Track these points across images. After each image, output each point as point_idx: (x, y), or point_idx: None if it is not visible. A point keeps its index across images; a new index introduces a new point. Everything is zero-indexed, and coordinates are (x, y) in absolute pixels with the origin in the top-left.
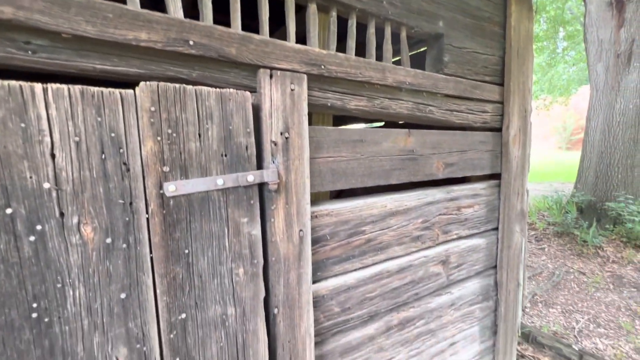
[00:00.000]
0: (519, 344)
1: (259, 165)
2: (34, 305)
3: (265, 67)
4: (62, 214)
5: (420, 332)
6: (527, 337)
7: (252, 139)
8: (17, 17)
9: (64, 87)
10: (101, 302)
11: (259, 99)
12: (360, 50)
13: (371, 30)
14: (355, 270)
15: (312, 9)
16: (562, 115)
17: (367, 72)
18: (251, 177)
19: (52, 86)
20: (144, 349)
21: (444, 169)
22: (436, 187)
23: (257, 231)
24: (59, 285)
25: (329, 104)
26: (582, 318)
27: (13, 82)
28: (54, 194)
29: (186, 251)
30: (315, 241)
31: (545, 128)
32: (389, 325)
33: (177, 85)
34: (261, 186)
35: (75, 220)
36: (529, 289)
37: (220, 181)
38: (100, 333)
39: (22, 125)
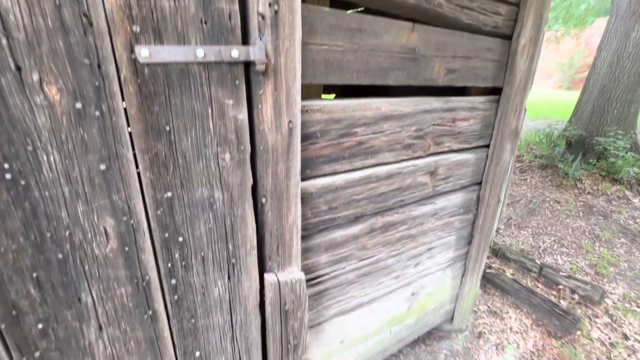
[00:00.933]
0: (488, 257)
1: (245, 41)
2: (6, 166)
3: None
4: (18, 68)
5: (401, 236)
6: (497, 252)
7: (237, 7)
8: None
9: None
10: (80, 171)
11: None
12: None
13: None
14: (344, 172)
15: None
16: (570, 51)
17: None
18: (235, 52)
19: None
20: (131, 221)
21: (445, 75)
22: (434, 95)
23: (243, 116)
24: (29, 148)
25: None
26: (549, 239)
27: None
28: (3, 41)
29: (167, 128)
30: (305, 137)
31: (549, 66)
32: (372, 228)
33: None
34: (247, 66)
35: (35, 77)
36: (506, 214)
37: (200, 52)
38: (83, 202)
39: None
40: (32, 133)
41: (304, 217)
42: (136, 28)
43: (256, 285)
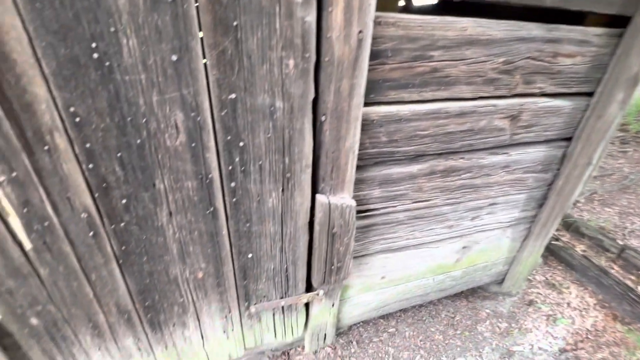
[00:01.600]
0: (557, 230)
1: None
2: (93, 45)
3: None
4: None
5: (463, 185)
6: (569, 226)
7: None
8: None
9: None
10: (154, 60)
11: None
12: None
13: None
14: (412, 102)
15: None
16: None
17: None
18: None
19: None
20: (198, 119)
21: None
22: (536, 22)
23: (311, 18)
24: (112, 30)
25: None
26: None
27: None
28: None
29: (235, 23)
30: (374, 55)
31: None
32: (433, 170)
33: None
34: None
35: None
36: (590, 187)
37: None
38: (157, 92)
39: None
40: (114, 14)
41: (361, 145)
42: None
43: (307, 203)
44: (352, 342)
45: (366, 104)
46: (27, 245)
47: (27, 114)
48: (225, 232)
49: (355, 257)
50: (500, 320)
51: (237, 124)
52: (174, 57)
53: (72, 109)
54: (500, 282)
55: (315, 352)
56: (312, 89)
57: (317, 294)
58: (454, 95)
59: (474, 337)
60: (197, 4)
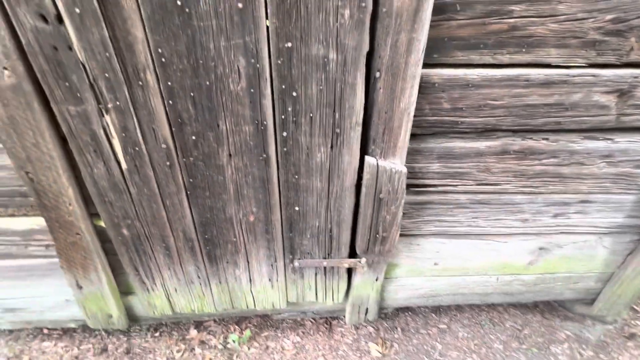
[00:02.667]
0: None
1: None
2: None
3: None
4: None
5: (543, 171)
6: None
7: None
8: None
9: None
10: (224, 7)
11: None
12: None
13: None
14: (483, 65)
15: None
16: None
17: None
18: None
19: None
20: (257, 65)
21: None
22: None
23: None
24: None
25: None
26: None
27: None
28: None
29: None
30: (439, 9)
31: None
32: (505, 149)
33: None
34: None
35: None
36: None
37: None
38: (224, 38)
39: None
40: None
41: (420, 111)
42: None
43: (356, 163)
44: (396, 328)
45: (428, 65)
46: (124, 165)
47: (129, 52)
48: (275, 180)
49: (405, 235)
50: (584, 347)
51: (291, 73)
52: (240, 5)
53: (159, 50)
54: (590, 302)
55: (357, 327)
56: (366, 41)
57: (360, 262)
58: (538, 60)
59: (544, 357)
60: None
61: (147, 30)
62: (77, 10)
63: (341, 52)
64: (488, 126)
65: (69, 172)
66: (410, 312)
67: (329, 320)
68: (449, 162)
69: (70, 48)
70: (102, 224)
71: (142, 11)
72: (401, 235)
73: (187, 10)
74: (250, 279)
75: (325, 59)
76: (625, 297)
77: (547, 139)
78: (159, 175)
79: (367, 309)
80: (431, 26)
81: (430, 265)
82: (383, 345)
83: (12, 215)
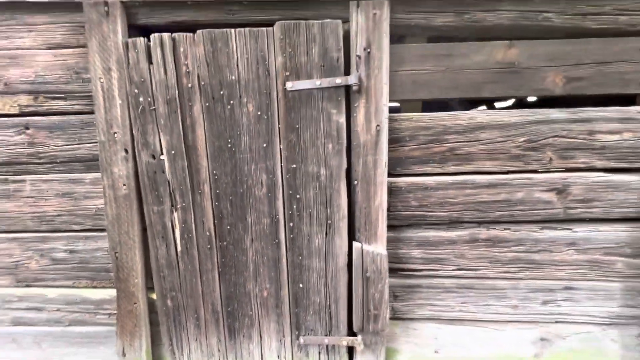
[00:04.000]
0: None
1: (346, 72)
2: (229, 140)
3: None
4: (240, 97)
5: (516, 257)
6: None
7: (342, 54)
8: None
9: (242, 29)
10: (257, 146)
11: (348, 24)
12: None
13: None
14: (435, 174)
15: None
16: None
17: None
18: (339, 80)
19: (236, 30)
20: (274, 179)
21: (566, 84)
22: (567, 105)
23: (342, 120)
24: (238, 132)
25: (412, 24)
26: None
27: (220, 30)
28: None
29: (297, 126)
30: (395, 140)
31: None
32: (474, 237)
33: (294, 22)
34: (347, 88)
35: (244, 99)
36: None
37: (318, 82)
38: (254, 163)
39: (226, 50)
40: (240, 126)
41: (394, 207)
42: (287, 73)
43: (345, 247)
44: None
45: (395, 175)
46: (179, 247)
47: (197, 173)
48: (284, 260)
49: (401, 319)
50: None
51: (296, 183)
52: (264, 145)
53: (215, 172)
54: None
55: None
56: (344, 162)
57: (357, 339)
58: (478, 169)
59: None
60: (279, 117)
61: (209, 161)
62: (172, 152)
63: (329, 169)
64: (452, 219)
65: (141, 252)
66: None
67: None
68: (428, 249)
69: (163, 172)
70: (154, 296)
71: (208, 151)
72: (397, 318)
73: (233, 149)
74: (261, 354)
75: (318, 173)
76: None
77: (508, 228)
78: (201, 255)
79: None
80: (390, 150)
81: (432, 354)
82: None
83: (94, 287)
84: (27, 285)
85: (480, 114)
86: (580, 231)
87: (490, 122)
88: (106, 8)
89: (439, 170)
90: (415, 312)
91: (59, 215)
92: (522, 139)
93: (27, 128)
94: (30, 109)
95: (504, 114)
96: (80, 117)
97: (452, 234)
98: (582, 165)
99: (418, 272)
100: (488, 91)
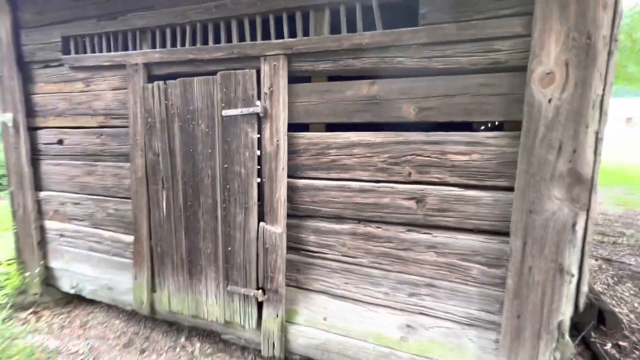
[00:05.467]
0: None
1: (257, 103)
2: (191, 147)
3: (263, 56)
4: (198, 120)
5: (386, 253)
6: None
7: (255, 91)
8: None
9: (200, 77)
10: (206, 152)
11: (259, 72)
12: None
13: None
14: (323, 179)
15: (284, 15)
16: None
17: (325, 44)
18: (252, 109)
19: (197, 78)
20: (215, 174)
21: (418, 113)
22: (423, 130)
23: (255, 136)
24: (196, 142)
25: (303, 69)
26: None
27: (189, 78)
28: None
29: (228, 139)
30: (293, 152)
31: None
32: (353, 231)
33: (228, 72)
34: (258, 114)
35: (200, 121)
36: None
37: (240, 111)
38: (204, 162)
39: (191, 90)
40: (197, 138)
41: (296, 202)
42: (223, 104)
43: (255, 225)
44: None
45: (295, 177)
46: (164, 213)
47: (174, 168)
48: (220, 229)
49: (302, 288)
50: None
51: (227, 177)
52: (210, 151)
53: (183, 167)
54: None
55: (270, 358)
56: (256, 165)
57: (259, 292)
58: (354, 177)
59: None
60: (218, 133)
61: (181, 160)
62: (163, 153)
63: (246, 169)
64: (337, 214)
65: (146, 214)
66: None
67: (256, 349)
68: (320, 236)
69: (159, 164)
70: (152, 243)
71: (180, 154)
72: (299, 287)
73: (194, 153)
74: (206, 294)
75: (240, 172)
76: None
77: (380, 227)
78: (175, 220)
79: (273, 344)
80: (290, 159)
81: (321, 319)
82: None
83: (126, 234)
84: (96, 227)
85: (352, 135)
86: (440, 236)
87: (360, 141)
88: (136, 67)
89: (325, 175)
90: (311, 285)
91: (112, 187)
92: (385, 155)
93: (101, 135)
94: (102, 124)
95: (370, 135)
96: (124, 129)
97: (337, 226)
98: (436, 180)
99: (313, 253)
100: (358, 118)
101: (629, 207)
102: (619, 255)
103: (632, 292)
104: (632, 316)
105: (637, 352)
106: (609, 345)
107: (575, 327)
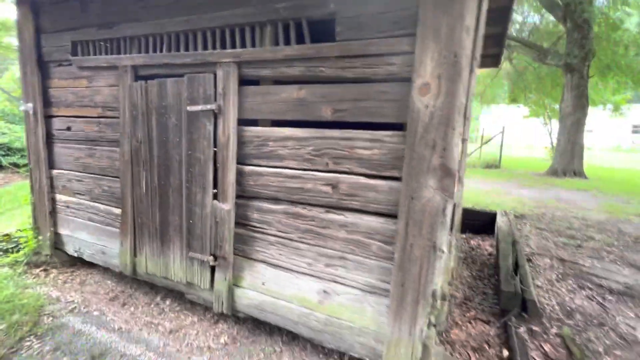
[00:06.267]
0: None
1: (214, 102)
2: (164, 137)
3: (219, 62)
4: (169, 114)
5: (310, 229)
6: None
7: (213, 92)
8: None
9: (172, 79)
10: (175, 140)
11: (216, 76)
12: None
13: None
14: (264, 166)
15: (236, 29)
16: None
17: (264, 54)
18: (209, 106)
19: (169, 79)
20: (180, 159)
21: (334, 113)
22: (340, 128)
23: (211, 129)
24: (167, 132)
25: (250, 74)
26: None
27: (164, 79)
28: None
29: (191, 130)
30: (242, 143)
31: None
32: (286, 211)
33: (193, 75)
34: (214, 111)
35: (171, 115)
36: None
37: (200, 107)
38: (173, 149)
39: (165, 89)
40: (168, 129)
41: (242, 185)
42: (188, 102)
43: (210, 202)
44: (237, 328)
45: (244, 164)
46: (144, 190)
47: (151, 152)
48: (184, 205)
49: (247, 257)
50: None
51: (190, 162)
52: (177, 140)
53: (158, 153)
54: None
55: (219, 314)
56: (212, 152)
57: (211, 258)
58: (287, 165)
59: None
60: (184, 125)
61: (156, 146)
62: (143, 140)
63: (204, 156)
64: (274, 196)
65: (130, 191)
66: (252, 329)
67: (211, 308)
68: (261, 214)
69: (140, 150)
70: (134, 216)
71: (155, 141)
72: (245, 257)
73: (166, 141)
74: (173, 259)
75: (200, 158)
76: None
77: (305, 208)
78: (151, 196)
79: (222, 302)
80: (240, 148)
81: (260, 284)
82: (229, 336)
83: (117, 207)
84: (94, 201)
85: (286, 130)
86: (350, 217)
87: (292, 135)
88: (126, 68)
89: (265, 163)
90: (254, 255)
91: (106, 168)
92: (310, 148)
93: (99, 124)
94: (100, 114)
95: (299, 131)
96: (116, 120)
97: (274, 206)
98: (347, 170)
99: (256, 229)
100: (290, 116)
101: (614, 215)
102: (576, 257)
103: (570, 288)
104: (557, 307)
105: (545, 336)
106: (522, 329)
107: (502, 314)
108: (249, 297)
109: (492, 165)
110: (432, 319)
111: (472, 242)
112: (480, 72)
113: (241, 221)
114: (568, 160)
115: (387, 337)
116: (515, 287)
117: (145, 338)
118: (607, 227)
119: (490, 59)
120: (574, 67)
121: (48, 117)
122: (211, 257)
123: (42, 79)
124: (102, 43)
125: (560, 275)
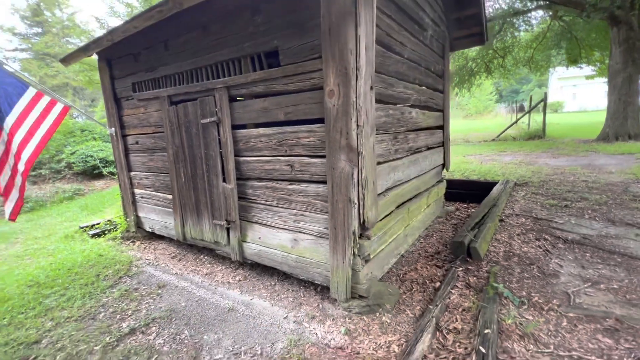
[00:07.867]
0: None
1: (216, 115)
2: (190, 142)
3: (215, 88)
4: (191, 125)
5: (282, 197)
6: None
7: (214, 109)
8: None
9: (191, 102)
10: (197, 144)
11: (215, 97)
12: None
13: (247, 61)
14: (252, 156)
15: (224, 64)
16: None
17: (241, 80)
18: (213, 118)
19: (190, 102)
20: (202, 156)
21: (285, 115)
22: (290, 125)
23: (216, 134)
24: (192, 139)
25: (235, 94)
26: None
27: (186, 102)
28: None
29: (205, 136)
30: (236, 141)
31: None
32: (267, 186)
33: (202, 98)
34: (216, 122)
35: (192, 126)
36: None
37: (209, 119)
38: (198, 149)
39: (187, 109)
40: (192, 137)
41: (240, 170)
42: (202, 116)
43: (221, 184)
44: (248, 268)
45: (238, 156)
46: (183, 179)
47: (184, 154)
48: (207, 189)
49: (249, 221)
50: (317, 311)
51: (207, 157)
52: (198, 144)
53: (188, 154)
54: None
55: (236, 262)
56: (218, 149)
57: (224, 222)
58: (263, 154)
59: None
60: (201, 133)
61: (185, 149)
62: (178, 147)
63: (214, 152)
64: (259, 177)
65: (176, 182)
66: (257, 275)
67: (227, 258)
68: (254, 190)
69: (178, 153)
70: (180, 199)
71: (185, 146)
72: (247, 221)
73: (192, 145)
74: (205, 225)
75: (212, 154)
76: (340, 282)
77: (278, 183)
78: (187, 182)
79: (236, 253)
80: (234, 145)
81: (257, 238)
82: (242, 276)
83: (169, 194)
84: (156, 191)
85: (260, 130)
86: (304, 186)
87: (263, 133)
88: (164, 98)
89: (250, 154)
90: (252, 218)
91: (161, 167)
92: (275, 141)
93: (154, 137)
94: (154, 131)
95: (268, 130)
96: (163, 133)
97: (260, 183)
98: (297, 154)
99: (251, 200)
100: (261, 120)
101: (638, 176)
102: (553, 216)
103: (525, 240)
104: (501, 254)
105: (477, 273)
106: (460, 269)
107: (451, 259)
108: (251, 248)
109: (536, 137)
110: (356, 251)
111: (461, 208)
112: (525, 36)
113: (242, 195)
114: (620, 123)
115: (331, 266)
116: (464, 238)
117: (190, 278)
118: (612, 189)
119: (477, 37)
120: (619, 19)
121: (124, 136)
122: (225, 222)
123: (117, 110)
124: (149, 82)
125: (524, 230)
